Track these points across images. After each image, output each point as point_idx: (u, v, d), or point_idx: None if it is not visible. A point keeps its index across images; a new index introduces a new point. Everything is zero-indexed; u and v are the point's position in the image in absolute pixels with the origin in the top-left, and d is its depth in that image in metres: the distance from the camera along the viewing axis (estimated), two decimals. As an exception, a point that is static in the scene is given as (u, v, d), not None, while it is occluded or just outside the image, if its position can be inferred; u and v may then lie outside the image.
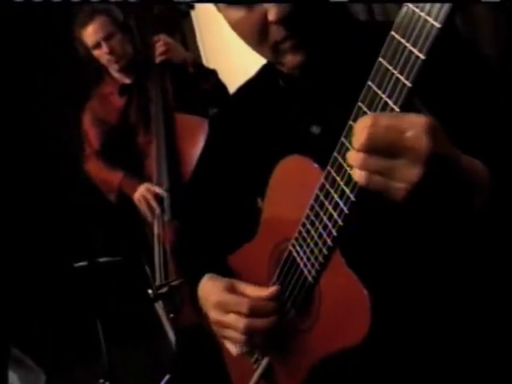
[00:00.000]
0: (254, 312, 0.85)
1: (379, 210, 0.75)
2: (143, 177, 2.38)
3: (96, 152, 2.51)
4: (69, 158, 3.20)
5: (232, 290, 0.89)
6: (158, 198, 2.27)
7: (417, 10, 0.58)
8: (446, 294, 0.80)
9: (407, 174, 0.60)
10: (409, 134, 0.59)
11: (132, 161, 2.42)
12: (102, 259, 2.07)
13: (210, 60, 3.49)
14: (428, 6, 0.57)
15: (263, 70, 1.02)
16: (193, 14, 3.10)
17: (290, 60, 0.84)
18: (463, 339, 0.81)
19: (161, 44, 2.27)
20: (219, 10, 0.88)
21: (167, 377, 0.77)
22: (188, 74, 2.32)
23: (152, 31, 2.38)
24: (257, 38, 0.83)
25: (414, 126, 0.59)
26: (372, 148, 0.60)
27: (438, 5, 0.56)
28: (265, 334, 0.87)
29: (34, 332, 2.85)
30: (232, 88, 2.34)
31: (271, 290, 0.87)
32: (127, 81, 2.48)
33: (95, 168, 2.51)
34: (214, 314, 0.91)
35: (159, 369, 2.15)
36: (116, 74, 2.48)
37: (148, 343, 2.65)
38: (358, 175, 0.64)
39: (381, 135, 0.60)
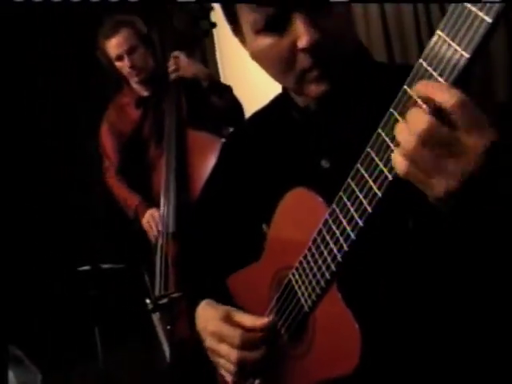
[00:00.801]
0: (246, 344, 0.90)
1: (377, 248, 0.80)
2: (151, 189, 2.44)
3: (115, 167, 2.58)
4: (74, 161, 3.25)
5: (228, 319, 0.93)
6: (160, 221, 2.35)
7: (448, 39, 0.59)
8: (439, 326, 0.83)
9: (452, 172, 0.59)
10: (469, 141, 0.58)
11: (142, 173, 2.48)
12: (104, 265, 2.11)
13: (228, 77, 3.55)
14: (459, 36, 0.58)
15: (278, 100, 1.05)
16: (214, 31, 3.15)
17: (314, 90, 0.86)
18: (454, 370, 0.84)
19: (171, 63, 2.33)
20: (243, 40, 0.90)
21: None
22: (202, 90, 2.37)
23: (173, 46, 2.44)
24: (283, 65, 0.85)
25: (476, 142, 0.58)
26: (427, 142, 0.59)
27: (469, 35, 0.57)
28: (256, 364, 0.91)
29: (33, 331, 2.87)
30: (249, 106, 2.37)
31: (265, 321, 0.91)
32: (145, 93, 2.54)
33: (115, 185, 2.59)
34: (208, 343, 0.95)
35: (152, 376, 2.19)
36: (135, 86, 2.53)
37: (143, 351, 2.67)
38: (400, 163, 0.62)
39: (440, 136, 0.59)
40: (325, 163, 0.91)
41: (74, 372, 2.72)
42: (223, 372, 0.95)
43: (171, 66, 2.33)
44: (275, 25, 0.82)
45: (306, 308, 0.86)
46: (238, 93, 2.54)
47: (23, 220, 3.31)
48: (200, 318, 1.00)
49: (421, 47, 2.77)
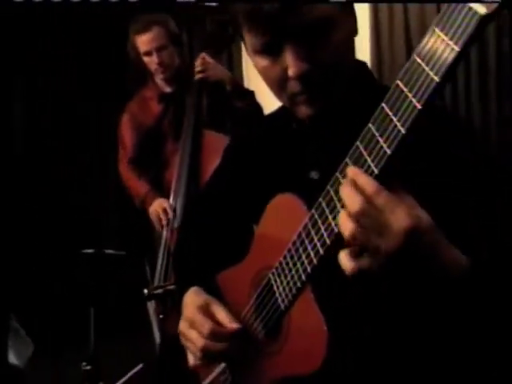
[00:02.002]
0: (212, 336, 0.94)
1: None
2: (162, 184, 2.50)
3: (129, 157, 2.65)
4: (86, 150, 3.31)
5: (204, 309, 0.98)
6: (167, 212, 2.41)
7: (422, 64, 0.64)
8: (406, 340, 0.85)
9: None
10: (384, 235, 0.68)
11: (156, 166, 2.55)
12: (107, 251, 2.16)
13: (251, 82, 3.60)
14: (432, 62, 0.62)
15: (283, 109, 1.08)
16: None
17: (303, 111, 0.92)
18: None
19: (199, 63, 2.39)
20: (248, 53, 0.96)
21: (139, 366, 0.84)
22: (224, 92, 2.42)
23: (201, 47, 2.50)
24: (276, 87, 0.91)
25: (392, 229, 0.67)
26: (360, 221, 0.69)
27: (440, 61, 0.62)
28: (220, 354, 0.97)
29: (30, 306, 2.93)
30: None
31: (234, 326, 0.95)
32: (168, 90, 2.60)
33: (126, 174, 2.66)
34: (181, 326, 1.01)
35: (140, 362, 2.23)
36: (160, 82, 2.60)
37: (135, 338, 2.73)
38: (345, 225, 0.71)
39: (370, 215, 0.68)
40: (314, 175, 0.95)
41: (64, 352, 2.78)
42: (189, 355, 1.01)
43: (198, 67, 2.39)
44: (270, 50, 0.87)
45: (282, 307, 0.90)
46: (261, 101, 2.58)
47: (36, 200, 3.39)
48: (184, 302, 1.05)
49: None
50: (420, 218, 0.68)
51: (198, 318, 0.97)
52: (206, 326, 0.95)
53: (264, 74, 0.92)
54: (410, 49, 3.00)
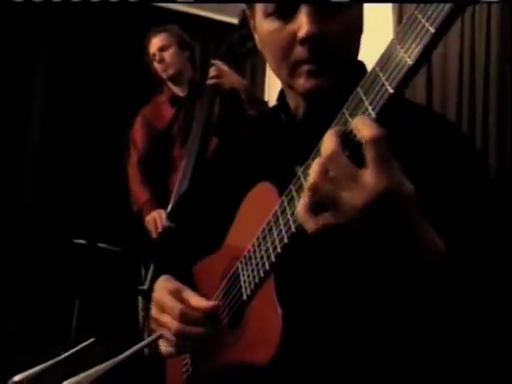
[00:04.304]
0: (184, 318, 0.91)
1: (316, 249, 0.81)
2: (167, 188, 2.51)
3: (138, 159, 2.70)
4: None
5: (176, 294, 0.95)
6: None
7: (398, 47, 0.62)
8: (370, 339, 0.83)
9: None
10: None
11: (163, 170, 2.57)
12: (101, 244, 2.14)
13: (272, 98, 3.64)
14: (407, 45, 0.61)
15: (277, 104, 1.08)
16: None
17: (302, 84, 0.90)
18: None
19: (213, 69, 2.42)
20: (254, 21, 0.96)
21: (91, 340, 0.80)
22: (238, 100, 2.44)
23: (220, 58, 2.53)
24: (281, 53, 0.90)
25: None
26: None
27: (414, 45, 0.60)
28: (193, 340, 0.93)
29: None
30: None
31: (208, 304, 0.92)
32: (180, 94, 2.66)
33: (132, 174, 2.71)
34: (152, 311, 0.99)
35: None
36: (171, 86, 2.66)
37: (121, 334, 2.70)
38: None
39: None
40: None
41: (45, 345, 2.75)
42: (162, 345, 0.98)
43: (212, 73, 2.42)
44: (283, 11, 0.87)
45: (244, 297, 0.88)
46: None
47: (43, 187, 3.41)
48: (154, 290, 1.03)
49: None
50: (402, 184, 0.61)
51: (168, 301, 0.94)
52: (178, 308, 0.92)
53: (270, 38, 0.91)
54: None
